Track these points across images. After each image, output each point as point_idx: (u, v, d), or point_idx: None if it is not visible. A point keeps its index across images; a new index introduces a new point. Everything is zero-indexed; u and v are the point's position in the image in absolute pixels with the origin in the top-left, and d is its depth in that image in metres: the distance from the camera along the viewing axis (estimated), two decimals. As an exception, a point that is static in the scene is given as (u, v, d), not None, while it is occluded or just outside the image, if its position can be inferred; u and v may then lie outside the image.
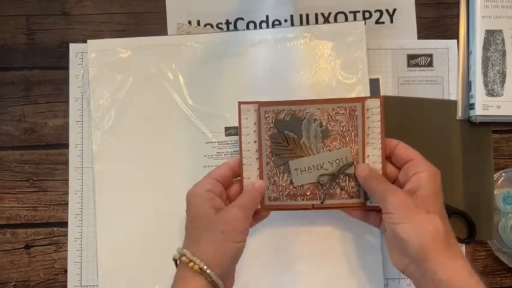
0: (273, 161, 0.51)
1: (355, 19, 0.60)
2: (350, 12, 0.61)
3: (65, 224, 0.58)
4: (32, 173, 0.59)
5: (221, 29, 0.61)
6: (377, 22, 0.61)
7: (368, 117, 0.50)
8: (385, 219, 0.44)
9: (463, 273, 0.41)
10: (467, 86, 0.59)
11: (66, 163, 0.59)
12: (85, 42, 0.59)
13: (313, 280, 0.56)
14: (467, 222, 0.57)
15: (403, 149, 0.49)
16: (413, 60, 0.60)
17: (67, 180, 0.59)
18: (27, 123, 0.60)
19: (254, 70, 0.58)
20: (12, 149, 0.60)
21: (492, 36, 0.57)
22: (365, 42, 0.58)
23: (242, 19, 0.61)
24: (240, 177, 0.51)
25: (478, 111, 0.56)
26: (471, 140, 0.58)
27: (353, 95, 0.57)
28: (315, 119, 0.50)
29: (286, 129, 0.50)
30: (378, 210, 0.49)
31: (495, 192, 0.57)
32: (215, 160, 0.58)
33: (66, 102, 0.60)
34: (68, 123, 0.59)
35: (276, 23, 0.60)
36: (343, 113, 0.50)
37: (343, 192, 0.50)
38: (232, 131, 0.58)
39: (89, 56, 0.59)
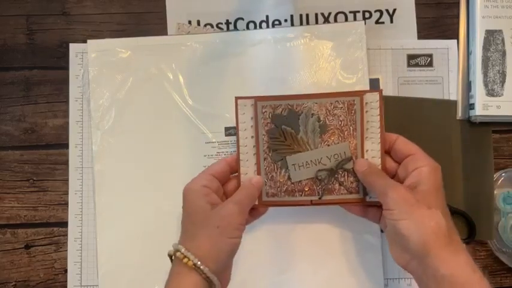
0: (271, 157, 0.50)
1: (355, 19, 0.60)
2: (350, 12, 0.61)
3: (65, 224, 0.58)
4: (32, 173, 0.59)
5: (221, 29, 0.61)
6: (377, 22, 0.61)
7: (367, 111, 0.49)
8: (386, 215, 0.44)
9: (466, 269, 0.40)
10: (467, 86, 0.59)
11: (66, 163, 0.59)
12: (85, 42, 0.59)
13: (312, 279, 0.56)
14: (467, 222, 0.57)
15: (402, 144, 0.48)
16: (413, 60, 0.59)
17: (67, 180, 0.59)
18: (27, 123, 0.60)
19: (254, 70, 0.58)
20: (12, 149, 0.60)
21: (492, 36, 0.57)
22: (365, 42, 0.58)
23: (242, 19, 0.61)
24: (237, 173, 0.51)
25: (478, 111, 0.56)
26: (471, 140, 0.58)
27: None
28: (312, 114, 0.50)
29: (284, 124, 0.50)
30: (377, 206, 0.48)
31: (495, 192, 0.57)
32: (215, 160, 0.57)
33: (66, 102, 0.60)
34: (68, 123, 0.59)
35: (276, 23, 0.60)
36: (341, 107, 0.49)
37: (342, 187, 0.50)
38: (232, 131, 0.58)
39: (89, 56, 0.59)
